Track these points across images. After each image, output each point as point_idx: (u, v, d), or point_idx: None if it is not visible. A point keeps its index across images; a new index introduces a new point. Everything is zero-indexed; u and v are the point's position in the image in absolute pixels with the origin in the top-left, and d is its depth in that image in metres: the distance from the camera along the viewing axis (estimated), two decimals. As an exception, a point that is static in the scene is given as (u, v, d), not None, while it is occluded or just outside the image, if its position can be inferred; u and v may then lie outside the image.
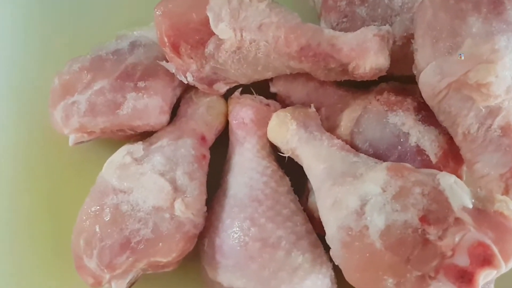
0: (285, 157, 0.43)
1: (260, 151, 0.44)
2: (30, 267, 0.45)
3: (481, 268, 0.30)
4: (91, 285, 0.40)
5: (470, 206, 0.33)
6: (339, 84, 0.45)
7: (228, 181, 0.43)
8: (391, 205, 0.34)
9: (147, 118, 0.43)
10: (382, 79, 0.42)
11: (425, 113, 0.40)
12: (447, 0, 0.36)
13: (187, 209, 0.40)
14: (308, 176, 0.41)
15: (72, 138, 0.44)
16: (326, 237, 0.37)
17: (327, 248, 0.38)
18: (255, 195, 0.41)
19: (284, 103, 0.47)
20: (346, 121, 0.43)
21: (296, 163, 0.43)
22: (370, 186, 0.35)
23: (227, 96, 0.47)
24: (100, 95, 0.42)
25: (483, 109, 0.36)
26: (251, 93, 0.46)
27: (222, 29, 0.40)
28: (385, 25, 0.42)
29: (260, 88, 0.46)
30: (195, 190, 0.41)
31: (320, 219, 0.39)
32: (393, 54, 0.40)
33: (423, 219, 0.32)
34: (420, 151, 0.40)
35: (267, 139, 0.44)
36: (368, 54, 0.39)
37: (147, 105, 0.43)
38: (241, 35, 0.40)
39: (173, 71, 0.43)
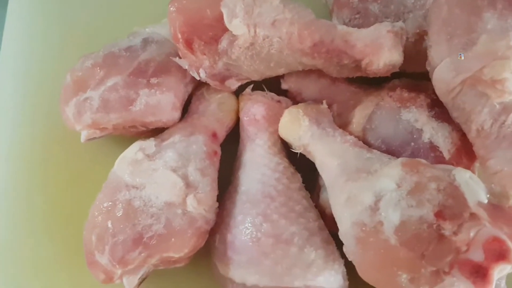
0: (297, 153, 0.43)
1: (271, 148, 0.44)
2: (42, 262, 0.45)
3: (496, 263, 0.30)
4: (103, 281, 0.40)
5: (486, 201, 0.33)
6: (351, 81, 0.45)
7: (239, 178, 0.43)
8: (406, 201, 0.33)
9: (160, 114, 0.43)
10: (393, 75, 0.42)
11: (438, 110, 0.40)
12: (462, -3, 0.36)
13: (199, 205, 0.40)
14: (321, 173, 0.41)
15: (84, 135, 0.44)
16: (339, 233, 0.37)
17: (338, 245, 0.38)
18: (268, 191, 0.41)
19: (295, 99, 0.47)
20: (358, 118, 0.43)
21: (306, 159, 0.43)
22: (385, 182, 0.35)
23: (238, 93, 0.47)
24: (113, 91, 0.42)
25: (497, 105, 0.36)
26: (263, 90, 0.46)
27: (236, 25, 0.40)
28: (398, 21, 0.42)
29: (271, 85, 0.46)
30: (207, 186, 0.41)
31: (331, 215, 0.39)
32: (406, 50, 0.40)
33: (439, 214, 0.32)
34: (433, 147, 0.39)
35: (278, 135, 0.44)
36: (382, 50, 0.39)
37: (160, 101, 0.43)
38: (255, 31, 0.40)
39: (186, 67, 0.43)
